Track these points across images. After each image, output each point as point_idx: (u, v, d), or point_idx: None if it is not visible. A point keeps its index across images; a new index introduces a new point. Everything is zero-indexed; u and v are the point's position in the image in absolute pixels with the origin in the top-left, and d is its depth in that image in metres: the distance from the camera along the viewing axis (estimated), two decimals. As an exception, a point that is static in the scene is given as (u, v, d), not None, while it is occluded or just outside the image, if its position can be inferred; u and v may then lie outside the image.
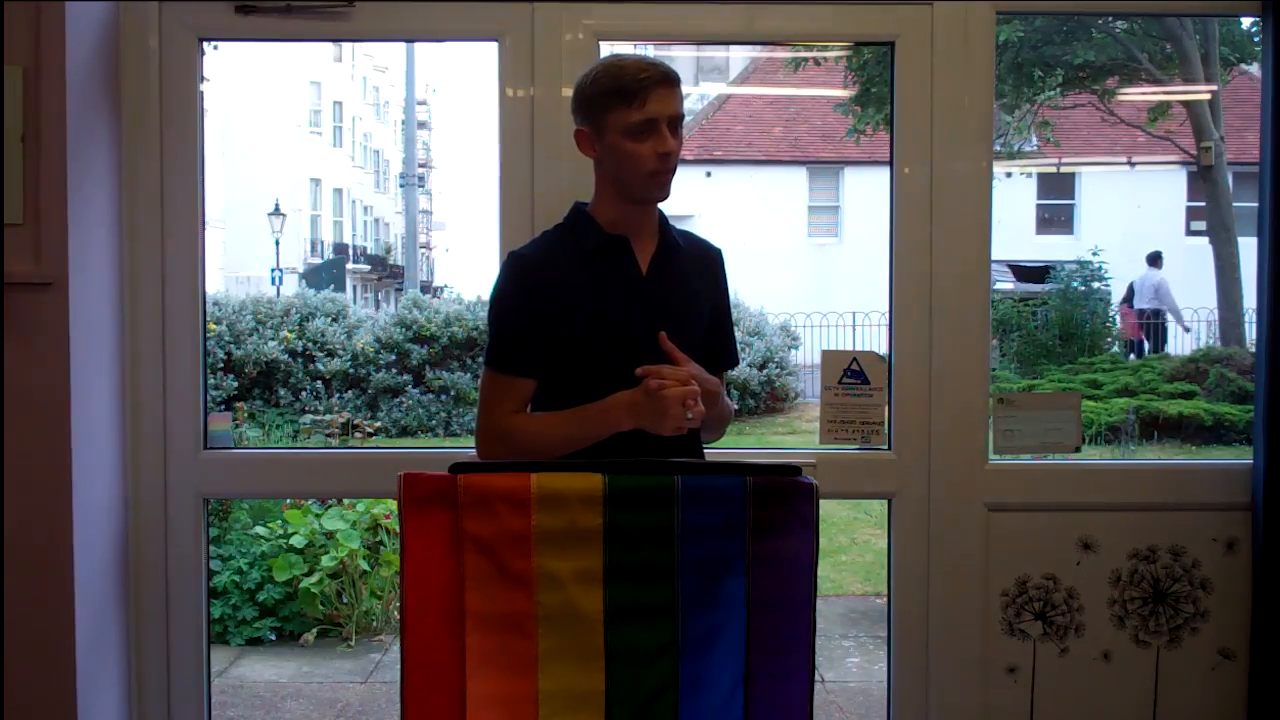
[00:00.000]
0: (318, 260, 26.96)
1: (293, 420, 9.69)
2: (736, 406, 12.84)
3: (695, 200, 17.32)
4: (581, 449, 2.09)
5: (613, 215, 2.13)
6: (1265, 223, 2.66)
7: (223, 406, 9.06)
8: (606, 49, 2.74)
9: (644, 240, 2.15)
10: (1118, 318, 14.93)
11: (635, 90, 2.02)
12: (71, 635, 2.47)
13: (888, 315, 2.78)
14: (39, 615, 2.46)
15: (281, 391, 10.31)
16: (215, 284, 17.02)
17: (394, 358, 11.81)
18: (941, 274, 2.71)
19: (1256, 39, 10.86)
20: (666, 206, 2.18)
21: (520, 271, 2.11)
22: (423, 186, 33.63)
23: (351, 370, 11.59)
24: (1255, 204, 2.75)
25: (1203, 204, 14.17)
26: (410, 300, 12.79)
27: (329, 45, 24.76)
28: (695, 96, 19.92)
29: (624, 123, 2.03)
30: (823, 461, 2.66)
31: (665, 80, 2.05)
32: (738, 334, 13.39)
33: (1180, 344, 14.73)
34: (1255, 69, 12.80)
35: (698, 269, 2.23)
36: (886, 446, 2.74)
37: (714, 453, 2.44)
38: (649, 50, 6.03)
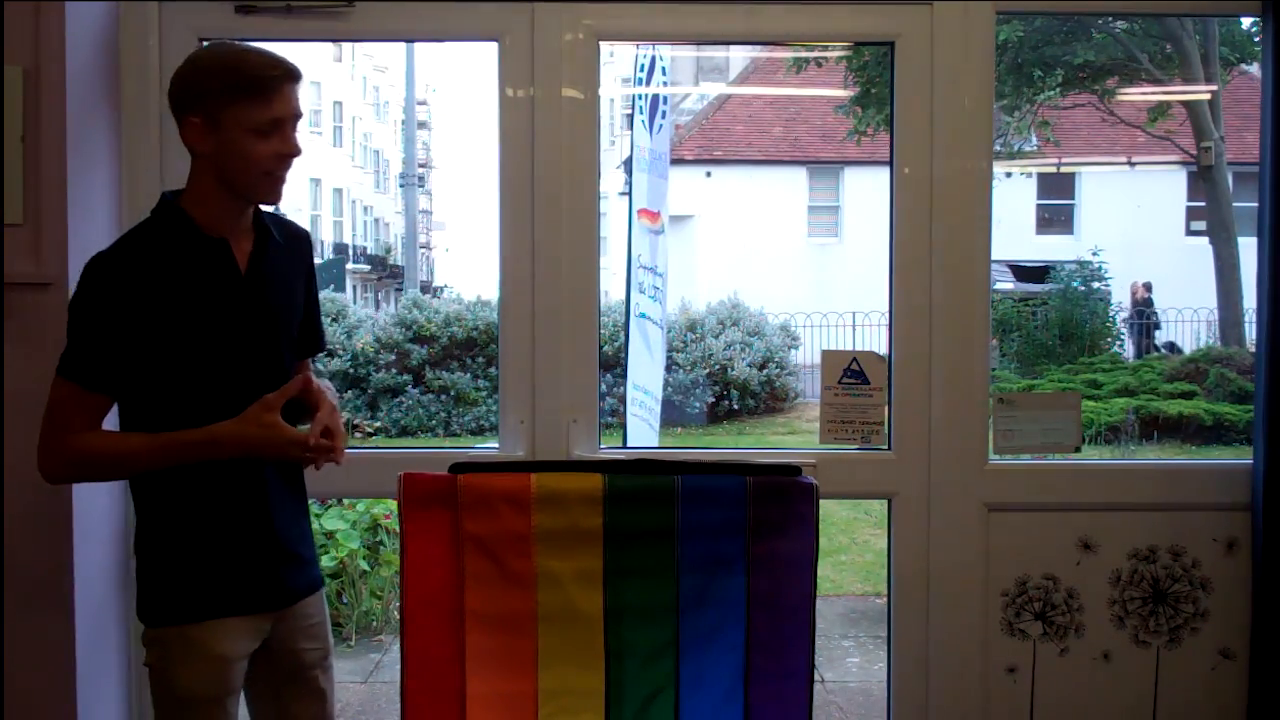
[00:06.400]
0: (317, 260, 26.94)
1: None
2: (737, 407, 12.85)
3: (695, 200, 17.32)
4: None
5: (213, 212, 1.97)
6: (1265, 223, 2.66)
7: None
8: (606, 49, 2.74)
9: (240, 237, 2.02)
10: None
11: (263, 86, 1.90)
12: (71, 635, 2.47)
13: (888, 315, 2.77)
14: (39, 616, 2.46)
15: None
16: (215, 284, 16.97)
17: (394, 358, 11.82)
18: (941, 274, 2.71)
19: (1256, 39, 10.85)
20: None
21: (107, 277, 1.91)
22: (423, 186, 33.63)
23: (351, 370, 11.60)
24: (1255, 204, 2.75)
25: (1203, 204, 14.18)
26: (410, 300, 12.81)
27: (329, 45, 24.74)
28: (695, 96, 19.91)
29: (249, 120, 1.91)
30: (823, 461, 2.66)
31: (291, 77, 1.94)
32: (737, 334, 13.22)
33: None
34: (1255, 69, 12.79)
35: (291, 259, 2.11)
36: (886, 446, 2.74)
37: (714, 453, 2.43)
38: (651, 50, 6.03)
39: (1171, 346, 15.30)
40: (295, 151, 1.97)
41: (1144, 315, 15.31)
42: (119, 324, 1.90)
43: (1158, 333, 15.41)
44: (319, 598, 2.17)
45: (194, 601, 1.99)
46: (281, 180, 1.99)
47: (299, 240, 2.15)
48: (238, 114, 1.90)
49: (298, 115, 1.97)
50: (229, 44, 1.99)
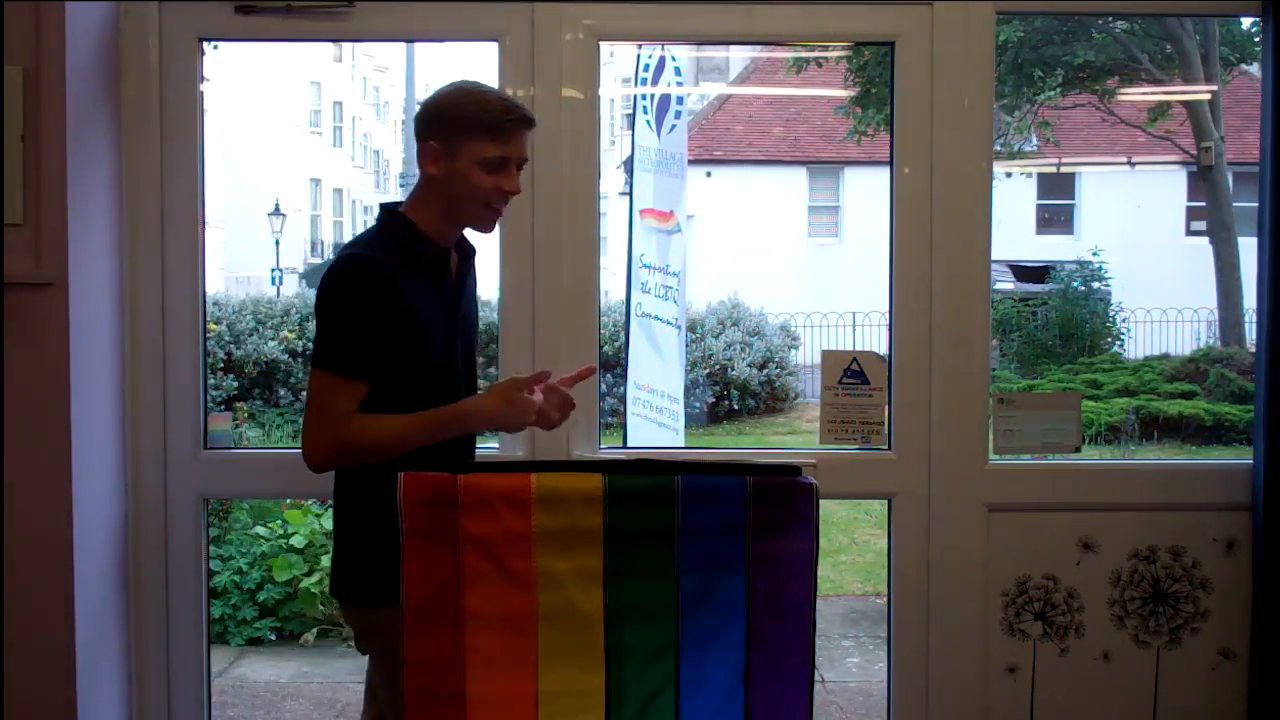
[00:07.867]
0: (318, 260, 26.95)
1: (293, 420, 9.67)
2: (737, 407, 12.84)
3: (695, 200, 17.29)
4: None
5: (436, 229, 2.18)
6: (1265, 223, 2.66)
7: (223, 406, 9.04)
8: (606, 49, 2.75)
9: (450, 252, 2.24)
10: None
11: (500, 127, 2.11)
12: (71, 635, 2.47)
13: (888, 315, 2.78)
14: (39, 616, 2.46)
15: (281, 391, 10.30)
16: (215, 284, 17.02)
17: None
18: (941, 274, 2.71)
19: (1256, 39, 10.86)
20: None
21: (373, 275, 2.08)
22: (423, 186, 33.56)
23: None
24: (1255, 204, 2.75)
25: (1203, 204, 14.18)
26: (410, 300, 12.76)
27: (329, 45, 24.73)
28: (695, 97, 19.91)
29: (481, 154, 2.10)
30: (823, 461, 2.66)
31: (527, 123, 2.15)
32: (737, 334, 13.22)
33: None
34: (1255, 69, 12.80)
35: (471, 272, 2.32)
36: (886, 446, 2.74)
37: (714, 453, 2.43)
38: (660, 49, 6.02)
39: None
40: (516, 190, 2.16)
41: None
42: (379, 317, 2.06)
43: None
44: None
45: None
46: (498, 214, 2.18)
47: (473, 255, 2.32)
48: (472, 147, 2.10)
49: (524, 159, 2.17)
50: (480, 84, 2.17)
